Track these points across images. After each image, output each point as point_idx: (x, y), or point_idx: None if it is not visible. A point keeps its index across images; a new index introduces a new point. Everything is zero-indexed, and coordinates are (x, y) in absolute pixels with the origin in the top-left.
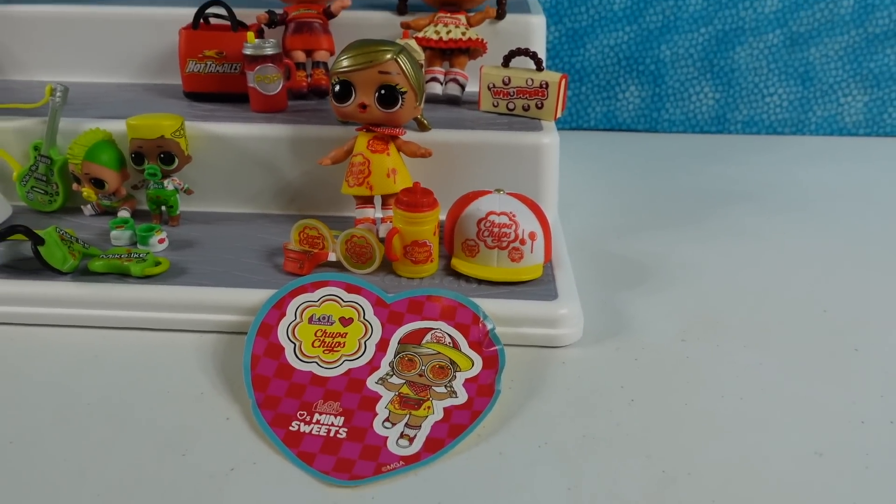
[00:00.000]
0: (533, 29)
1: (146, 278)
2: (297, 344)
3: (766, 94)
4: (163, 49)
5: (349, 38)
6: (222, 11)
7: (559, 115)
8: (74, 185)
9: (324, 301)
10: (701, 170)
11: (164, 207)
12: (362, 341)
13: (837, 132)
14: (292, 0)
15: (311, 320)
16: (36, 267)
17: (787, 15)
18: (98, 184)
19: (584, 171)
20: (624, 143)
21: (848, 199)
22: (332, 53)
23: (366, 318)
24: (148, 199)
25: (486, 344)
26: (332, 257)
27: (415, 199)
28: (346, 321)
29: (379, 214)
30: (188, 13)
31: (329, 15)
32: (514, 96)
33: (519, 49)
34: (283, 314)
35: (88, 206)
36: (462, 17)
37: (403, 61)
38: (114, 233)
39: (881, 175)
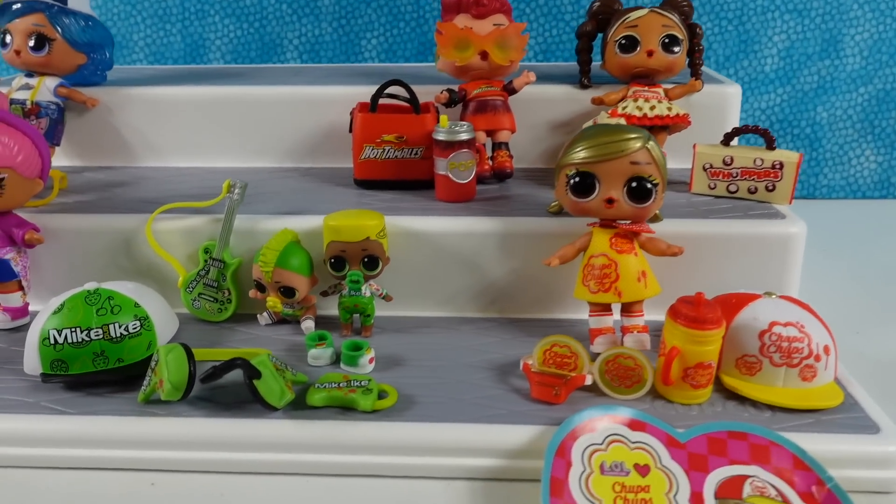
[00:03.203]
0: (728, 100)
1: (373, 413)
2: None
3: None
4: (312, 130)
5: (527, 115)
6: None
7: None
8: (252, 292)
9: (610, 443)
10: None
11: (356, 316)
12: (671, 497)
13: None
14: (466, 77)
15: (602, 470)
16: (234, 400)
17: None
18: (287, 292)
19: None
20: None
21: None
22: (513, 132)
23: (663, 464)
24: (342, 307)
25: (824, 498)
26: (588, 380)
27: (701, 313)
28: (642, 469)
29: (617, 323)
30: (336, 92)
31: (511, 91)
32: (738, 177)
33: (746, 126)
34: (570, 463)
35: (265, 314)
36: (660, 91)
37: (654, 149)
38: (313, 352)
39: None
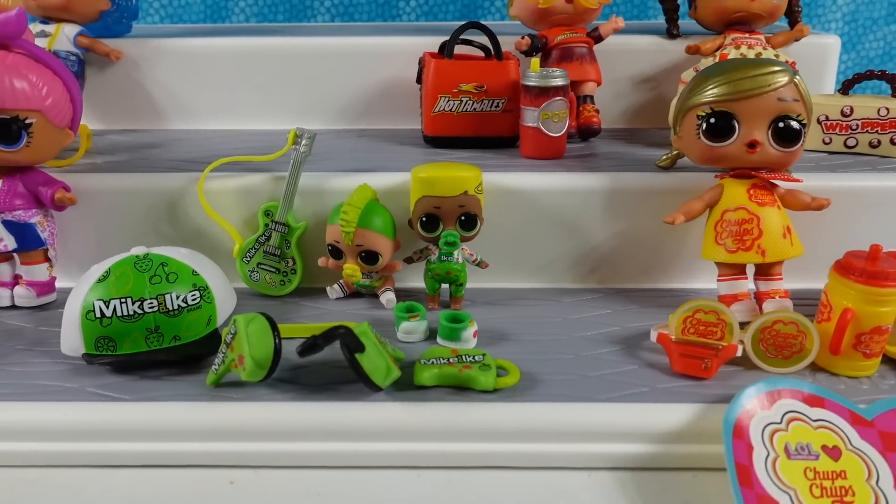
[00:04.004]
0: (828, 51)
1: (494, 393)
2: (793, 494)
3: None
4: (367, 87)
5: (609, 69)
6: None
7: None
8: (322, 260)
9: (789, 422)
10: None
11: (444, 286)
12: (872, 484)
13: None
14: (545, 24)
15: (788, 453)
16: (323, 380)
17: None
18: (369, 258)
19: None
20: None
21: None
22: (599, 85)
23: (854, 446)
24: (429, 275)
25: None
26: (739, 351)
27: (881, 268)
28: (832, 452)
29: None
30: (395, 44)
31: (597, 38)
32: (858, 130)
33: (871, 72)
34: (751, 446)
35: (335, 286)
36: (761, 38)
37: (801, 84)
38: (406, 325)
39: None
